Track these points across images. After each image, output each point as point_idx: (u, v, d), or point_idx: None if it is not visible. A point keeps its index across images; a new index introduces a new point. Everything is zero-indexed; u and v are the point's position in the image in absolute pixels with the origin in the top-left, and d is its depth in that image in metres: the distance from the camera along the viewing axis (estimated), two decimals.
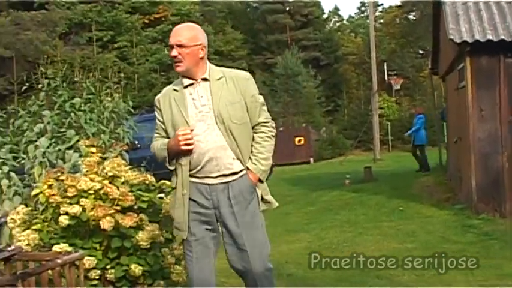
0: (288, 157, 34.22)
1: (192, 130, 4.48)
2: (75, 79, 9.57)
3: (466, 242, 9.89)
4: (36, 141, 8.10)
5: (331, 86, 55.30)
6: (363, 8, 70.82)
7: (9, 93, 28.85)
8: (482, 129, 11.83)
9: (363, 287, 7.49)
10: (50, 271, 4.58)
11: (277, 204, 4.84)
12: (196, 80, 4.55)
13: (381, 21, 63.85)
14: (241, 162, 4.58)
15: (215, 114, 4.47)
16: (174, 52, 4.47)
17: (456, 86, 13.67)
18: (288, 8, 57.47)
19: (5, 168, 7.80)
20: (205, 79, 4.54)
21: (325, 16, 67.99)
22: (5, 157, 8.04)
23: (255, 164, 4.61)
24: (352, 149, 36.93)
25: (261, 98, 4.70)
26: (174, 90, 4.63)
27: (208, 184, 4.59)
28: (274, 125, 4.76)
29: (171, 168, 4.75)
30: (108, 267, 5.64)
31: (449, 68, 14.83)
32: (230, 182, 4.58)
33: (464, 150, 12.83)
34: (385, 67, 44.62)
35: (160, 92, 4.94)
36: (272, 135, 4.72)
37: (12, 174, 7.76)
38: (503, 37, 11.42)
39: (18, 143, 8.51)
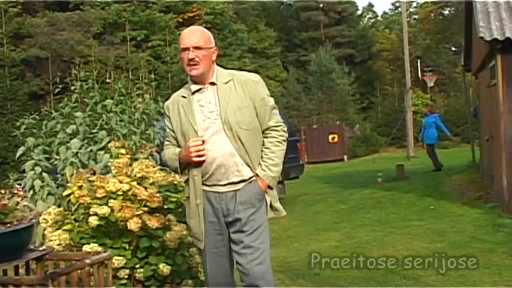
0: (321, 155, 34.31)
1: (203, 141, 4.47)
2: (108, 80, 9.71)
3: (496, 241, 9.83)
4: (68, 142, 8.23)
5: (365, 82, 55.20)
6: (397, 4, 70.43)
7: (45, 94, 29.22)
8: None
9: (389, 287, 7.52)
10: (79, 271, 4.69)
11: (285, 212, 4.84)
12: (204, 84, 4.53)
13: (415, 16, 63.49)
14: (251, 169, 4.54)
15: (222, 120, 4.43)
16: (192, 54, 4.43)
17: (488, 84, 13.62)
18: (321, 5, 57.52)
19: (38, 169, 7.92)
20: (212, 83, 4.52)
21: (359, 12, 67.84)
22: (38, 158, 8.15)
23: (264, 171, 4.56)
24: (386, 146, 36.81)
25: (271, 101, 4.63)
26: (182, 97, 4.60)
27: (217, 192, 4.59)
28: (285, 129, 4.67)
29: (184, 178, 4.75)
30: (137, 266, 5.77)
31: (481, 65, 14.77)
32: (239, 189, 4.54)
33: (496, 148, 12.78)
34: (419, 64, 44.24)
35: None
36: (283, 140, 4.63)
37: (45, 174, 7.89)
38: None
39: (51, 144, 8.62)
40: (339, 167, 30.34)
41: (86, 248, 5.41)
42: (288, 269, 8.89)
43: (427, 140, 22.05)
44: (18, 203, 5.80)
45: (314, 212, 14.77)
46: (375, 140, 38.19)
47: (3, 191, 7.13)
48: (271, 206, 4.70)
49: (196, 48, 4.45)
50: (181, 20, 41.49)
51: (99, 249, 5.36)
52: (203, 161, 4.48)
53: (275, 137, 4.59)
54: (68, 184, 6.66)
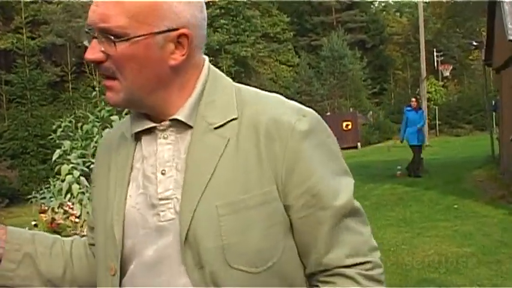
0: None
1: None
2: None
3: None
4: None
5: (377, 68, 55.12)
6: None
7: (62, 81, 29.41)
8: None
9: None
10: None
11: None
12: (159, 122, 1.68)
13: (427, 0, 63.22)
14: None
15: (182, 229, 1.57)
16: (94, 53, 1.60)
17: None
18: None
19: (76, 173, 7.93)
20: (179, 122, 1.65)
21: None
22: (75, 162, 8.17)
23: None
24: (399, 134, 36.86)
25: (343, 196, 1.62)
26: (122, 137, 1.78)
27: None
28: (381, 266, 1.71)
29: None
30: None
31: (505, 64, 14.74)
32: None
33: None
34: (434, 52, 44.13)
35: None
36: None
37: (82, 178, 7.93)
38: None
39: (87, 147, 8.66)
40: (354, 155, 30.34)
41: None
42: None
43: (414, 140, 18.76)
44: (73, 222, 5.89)
45: None
46: (388, 127, 38.28)
47: (56, 209, 7.23)
48: None
49: (104, 32, 1.57)
50: None
51: None
52: None
53: None
54: None
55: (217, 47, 40.81)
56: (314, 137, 1.59)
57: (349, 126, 36.22)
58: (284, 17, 52.97)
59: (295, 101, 1.71)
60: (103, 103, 9.40)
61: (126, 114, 8.88)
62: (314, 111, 1.66)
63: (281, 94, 1.74)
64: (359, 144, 35.94)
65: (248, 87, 1.74)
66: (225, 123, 1.59)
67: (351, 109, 40.83)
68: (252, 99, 1.65)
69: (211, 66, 1.69)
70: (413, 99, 19.74)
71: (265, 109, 1.60)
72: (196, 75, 1.64)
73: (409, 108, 19.08)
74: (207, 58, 1.71)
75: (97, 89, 9.72)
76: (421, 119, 19.10)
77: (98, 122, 9.09)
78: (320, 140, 1.61)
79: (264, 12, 50.75)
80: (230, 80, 1.72)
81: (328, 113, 39.80)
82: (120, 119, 8.71)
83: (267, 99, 1.66)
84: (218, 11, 42.21)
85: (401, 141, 19.65)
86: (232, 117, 1.59)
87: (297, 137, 1.55)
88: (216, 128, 1.59)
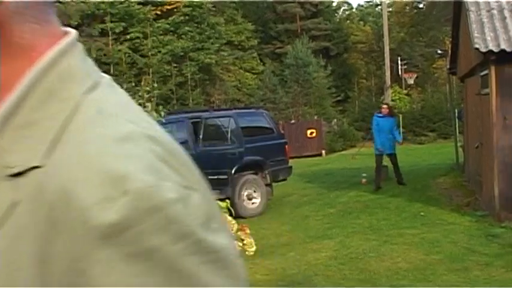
0: (299, 149, 34.29)
1: None
2: None
3: (492, 254, 9.94)
4: None
5: (341, 76, 55.45)
6: None
7: None
8: (506, 137, 11.89)
9: None
10: None
11: None
12: None
13: (390, 9, 63.81)
14: None
15: None
16: None
17: (478, 91, 13.71)
18: None
19: None
20: None
21: (334, 5, 68.04)
22: None
23: None
24: (364, 142, 37.00)
25: None
26: None
27: None
28: None
29: None
30: None
31: (470, 72, 14.86)
32: None
33: (486, 156, 12.89)
34: (399, 61, 44.54)
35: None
36: None
37: None
38: None
39: None
40: (319, 163, 30.39)
41: None
42: (290, 283, 8.91)
43: (388, 149, 17.94)
44: None
45: (303, 216, 14.79)
46: (352, 135, 38.39)
47: None
48: None
49: None
50: (159, 13, 41.37)
51: None
52: None
53: None
54: None
55: (182, 53, 40.67)
56: (130, 240, 0.72)
57: (314, 134, 36.26)
58: (249, 24, 53.03)
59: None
60: None
61: None
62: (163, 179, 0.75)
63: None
64: (323, 151, 35.98)
65: (107, 97, 0.87)
66: (24, 172, 0.79)
67: (315, 117, 40.87)
68: (77, 132, 0.80)
69: (69, 56, 0.87)
70: (385, 106, 19.08)
71: (69, 163, 0.76)
72: (18, 68, 0.83)
73: (380, 115, 18.35)
74: (65, 40, 0.88)
75: None
76: (393, 126, 18.30)
77: None
78: (146, 246, 0.72)
79: (229, 19, 50.76)
80: (88, 80, 0.87)
81: (293, 121, 39.84)
82: None
83: (94, 133, 0.79)
84: (182, 17, 42.08)
85: (377, 149, 18.25)
86: (33, 165, 0.79)
87: (91, 238, 0.71)
88: (12, 176, 0.79)
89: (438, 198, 15.28)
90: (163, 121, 11.64)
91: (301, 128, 36.51)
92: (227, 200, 6.76)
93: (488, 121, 12.25)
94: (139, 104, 9.26)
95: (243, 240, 7.76)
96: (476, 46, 11.65)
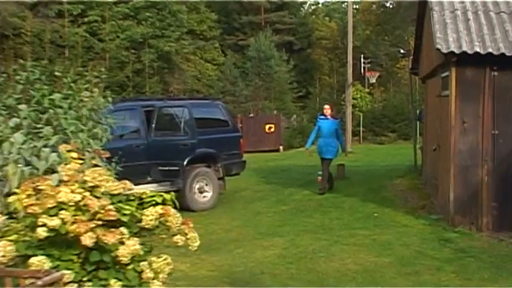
0: (257, 144, 34.26)
1: None
2: (56, 73, 9.35)
3: (443, 258, 9.94)
4: (9, 137, 7.90)
5: (303, 71, 55.48)
6: None
7: None
8: (464, 141, 11.90)
9: None
10: None
11: None
12: None
13: (357, 6, 64.01)
14: None
15: None
16: None
17: (438, 93, 13.72)
18: None
19: None
20: None
21: None
22: None
23: None
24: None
25: None
26: None
27: None
28: None
29: None
30: (84, 279, 5.56)
31: (431, 73, 14.88)
32: None
33: (443, 159, 12.91)
34: (362, 59, 44.66)
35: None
36: None
37: None
38: (490, 50, 11.42)
39: None
40: (276, 158, 30.38)
41: (34, 260, 5.17)
42: (236, 281, 8.80)
43: (327, 153, 17.28)
44: None
45: (255, 212, 14.70)
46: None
47: None
48: None
49: None
50: None
51: (46, 262, 5.15)
52: None
53: None
54: (15, 189, 6.37)
55: (141, 40, 40.14)
56: None
57: (272, 129, 36.28)
58: (212, 14, 52.70)
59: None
60: (10, 89, 9.01)
61: (35, 103, 8.53)
62: None
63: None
64: (281, 147, 36.01)
65: None
66: None
67: (275, 112, 40.93)
68: None
69: None
70: (327, 106, 18.17)
71: None
72: None
73: (322, 117, 17.82)
74: None
75: (4, 74, 9.28)
76: (336, 130, 17.57)
77: (5, 110, 8.71)
78: None
79: (192, 8, 50.31)
80: None
81: (251, 115, 39.80)
82: (28, 108, 8.35)
83: None
84: (143, 3, 41.50)
85: (307, 149, 18.83)
86: None
87: None
88: None
89: (393, 200, 15.32)
90: (112, 108, 11.45)
91: (260, 122, 36.57)
92: (172, 193, 6.60)
93: (447, 124, 12.25)
94: (86, 89, 9.08)
95: (186, 234, 7.56)
96: (438, 46, 11.61)
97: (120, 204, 5.94)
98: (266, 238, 11.78)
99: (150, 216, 5.97)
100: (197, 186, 15.43)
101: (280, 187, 18.72)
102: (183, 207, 14.71)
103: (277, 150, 35.51)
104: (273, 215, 14.36)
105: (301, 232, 12.27)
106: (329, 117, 17.67)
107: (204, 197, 15.56)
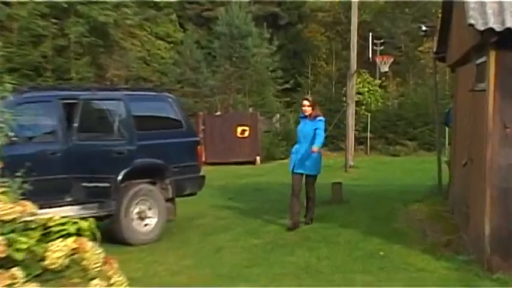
0: (226, 153, 34.39)
1: None
2: None
3: None
4: None
5: (291, 55, 55.51)
6: None
7: None
8: (505, 153, 11.78)
9: None
10: None
11: None
12: None
13: None
14: None
15: None
16: None
17: (471, 87, 13.63)
18: None
19: None
20: None
21: None
22: None
23: None
24: None
25: None
26: None
27: None
28: None
29: None
30: None
31: (463, 58, 14.81)
32: None
33: (477, 178, 12.80)
34: (370, 38, 44.61)
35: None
36: None
37: None
38: None
39: None
40: (250, 173, 30.41)
41: None
42: None
43: (307, 168, 16.61)
44: None
45: (215, 248, 14.56)
46: None
47: None
48: None
49: None
50: None
51: None
52: None
53: None
54: None
55: (65, 5, 39.52)
56: None
57: (246, 133, 36.22)
58: None
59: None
60: None
61: None
62: None
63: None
64: (258, 158, 35.98)
65: None
66: None
67: (251, 109, 40.83)
68: None
69: None
70: (305, 102, 16.96)
71: None
72: None
73: (302, 116, 17.13)
74: None
75: None
76: (317, 128, 16.34)
77: None
78: None
79: None
80: None
81: (218, 113, 39.73)
82: None
83: None
84: None
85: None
86: None
87: None
88: None
89: (407, 233, 15.27)
90: (15, 100, 11.26)
91: (230, 123, 36.56)
92: (91, 219, 6.39)
93: (483, 129, 12.14)
94: None
95: (109, 278, 7.37)
96: (472, 21, 11.47)
97: (13, 235, 5.78)
98: (227, 284, 11.63)
99: (57, 252, 5.79)
100: (136, 211, 15.24)
101: (252, 213, 18.66)
102: (117, 239, 14.66)
103: (253, 163, 35.56)
104: (240, 252, 14.26)
105: (277, 276, 12.15)
106: (308, 116, 16.70)
107: (146, 225, 15.40)
